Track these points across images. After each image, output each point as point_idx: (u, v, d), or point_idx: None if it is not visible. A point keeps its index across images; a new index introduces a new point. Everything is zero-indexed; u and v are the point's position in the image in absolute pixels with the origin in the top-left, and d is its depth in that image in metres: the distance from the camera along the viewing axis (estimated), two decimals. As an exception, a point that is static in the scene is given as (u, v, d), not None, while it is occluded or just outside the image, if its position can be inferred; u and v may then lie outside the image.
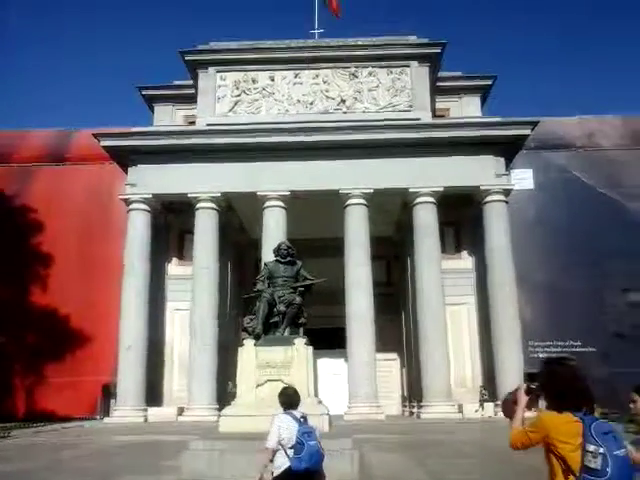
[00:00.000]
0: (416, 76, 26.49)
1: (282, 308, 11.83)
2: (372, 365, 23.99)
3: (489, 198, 25.51)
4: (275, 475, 5.58)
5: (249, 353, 11.14)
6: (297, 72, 26.63)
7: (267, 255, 24.91)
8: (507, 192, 25.83)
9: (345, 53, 26.63)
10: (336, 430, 11.67)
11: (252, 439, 10.17)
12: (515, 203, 27.58)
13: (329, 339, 27.72)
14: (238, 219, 28.69)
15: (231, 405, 11.56)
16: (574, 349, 26.55)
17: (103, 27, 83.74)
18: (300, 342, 11.23)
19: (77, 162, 29.64)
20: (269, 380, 11.02)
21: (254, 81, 26.48)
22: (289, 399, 6.03)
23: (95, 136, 25.32)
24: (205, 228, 25.14)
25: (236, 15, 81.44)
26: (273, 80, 26.57)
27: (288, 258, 12.43)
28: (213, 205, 25.48)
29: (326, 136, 25.27)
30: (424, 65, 26.61)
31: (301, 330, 12.00)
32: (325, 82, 26.53)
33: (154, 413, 23.66)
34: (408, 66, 26.67)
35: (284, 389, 6.25)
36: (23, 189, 29.14)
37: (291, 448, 5.56)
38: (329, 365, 29.15)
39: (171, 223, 27.98)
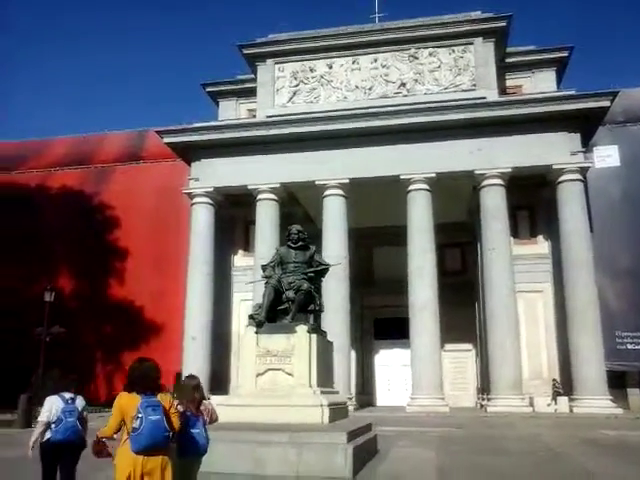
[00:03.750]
0: (480, 53, 25.13)
1: (291, 294, 11.39)
2: (436, 356, 23.09)
3: (563, 178, 23.79)
4: (40, 443, 6.78)
5: (249, 341, 10.87)
6: (355, 58, 26.09)
7: (327, 244, 24.75)
8: (584, 171, 23.98)
9: (404, 35, 25.73)
10: (344, 422, 11.13)
11: (246, 430, 9.96)
12: (599, 182, 25.59)
13: (398, 329, 27.10)
14: (303, 210, 28.55)
15: (230, 394, 11.39)
16: (667, 339, 24.20)
17: (172, 28, 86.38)
18: (302, 330, 10.77)
19: (151, 160, 30.79)
20: (270, 369, 10.68)
21: (312, 70, 26.25)
22: (62, 385, 7.11)
23: (158, 133, 26.15)
24: (265, 219, 25.27)
25: (299, 6, 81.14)
26: (331, 68, 26.19)
27: (299, 243, 11.93)
28: (273, 196, 25.55)
29: (385, 121, 24.64)
30: (489, 41, 25.19)
31: (311, 317, 11.49)
32: (384, 66, 25.79)
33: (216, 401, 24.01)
34: (472, 43, 25.38)
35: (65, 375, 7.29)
36: (101, 188, 30.78)
37: (54, 423, 6.75)
38: (399, 356, 28.53)
39: (236, 215, 28.39)
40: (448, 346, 27.99)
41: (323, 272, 12.22)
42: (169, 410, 5.05)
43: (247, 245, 28.25)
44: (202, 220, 26.04)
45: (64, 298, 29.40)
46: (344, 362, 23.48)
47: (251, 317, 11.54)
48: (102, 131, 34.05)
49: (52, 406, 6.83)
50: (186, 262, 26.44)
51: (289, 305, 11.45)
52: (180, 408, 5.60)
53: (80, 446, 6.90)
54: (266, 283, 11.68)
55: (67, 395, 6.99)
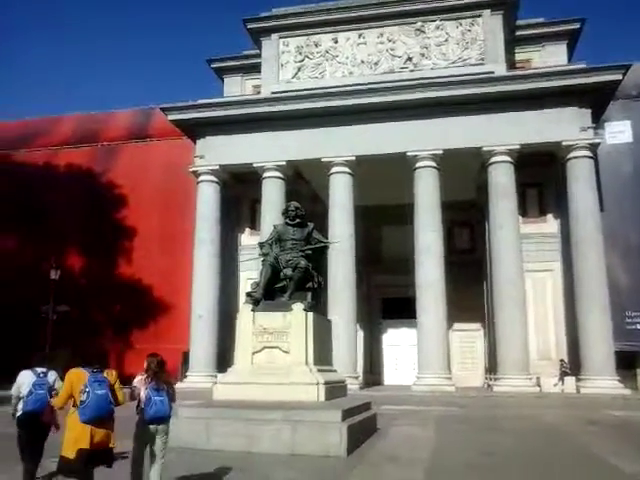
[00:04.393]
0: (488, 26, 24.51)
1: (288, 272, 11.28)
2: (442, 335, 22.93)
3: (572, 154, 23.31)
4: (17, 417, 7.36)
5: (246, 319, 10.79)
6: (361, 32, 25.59)
7: (334, 223, 24.62)
8: (594, 147, 23.48)
9: (411, 8, 25.12)
10: (340, 401, 11.04)
11: (240, 407, 9.93)
12: (610, 159, 25.13)
13: (407, 309, 26.86)
14: (309, 188, 28.33)
15: (227, 372, 11.33)
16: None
17: (179, 4, 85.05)
18: (299, 307, 10.65)
19: (158, 138, 30.63)
20: (266, 347, 10.62)
21: (317, 45, 25.80)
22: (38, 359, 7.94)
23: (163, 110, 25.95)
24: (271, 197, 25.04)
25: None
26: (336, 42, 25.72)
27: (297, 220, 11.79)
28: (279, 174, 25.33)
29: (391, 97, 24.23)
30: (497, 13, 24.56)
31: (309, 295, 11.37)
32: (390, 40, 25.27)
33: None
34: (479, 16, 24.75)
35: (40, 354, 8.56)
36: (108, 166, 30.69)
37: (26, 395, 7.23)
38: (407, 335, 28.40)
39: (243, 194, 28.24)
40: (457, 325, 27.86)
41: (322, 250, 12.10)
42: (114, 385, 5.78)
43: (254, 224, 28.04)
44: (208, 198, 25.90)
45: (74, 276, 29.59)
46: (350, 341, 23.45)
47: (248, 295, 11.48)
48: (109, 109, 33.91)
49: (24, 380, 7.35)
50: (194, 241, 26.39)
51: (287, 283, 11.36)
52: (141, 381, 6.27)
53: (48, 428, 7.30)
54: (263, 261, 11.58)
55: (39, 369, 7.51)
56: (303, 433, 9.23)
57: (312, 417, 9.41)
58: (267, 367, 10.52)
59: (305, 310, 10.71)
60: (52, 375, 7.53)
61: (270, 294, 11.35)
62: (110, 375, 5.75)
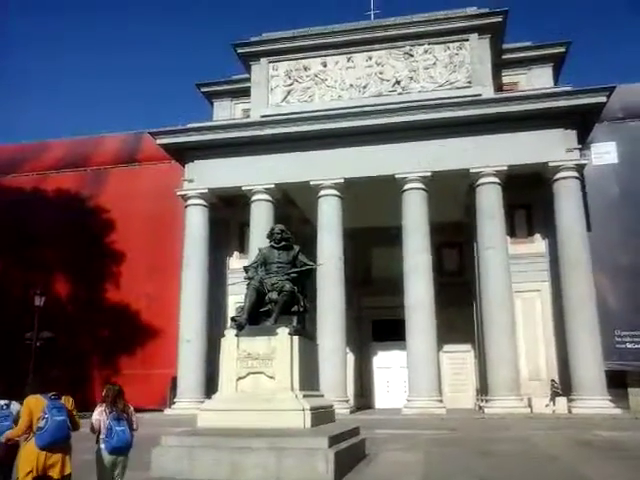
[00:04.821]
0: (475, 50, 24.84)
1: (274, 296, 11.13)
2: (432, 357, 22.82)
3: (559, 175, 23.49)
4: None
5: (230, 344, 10.62)
6: (350, 56, 25.84)
7: (322, 245, 24.55)
8: (580, 168, 23.68)
9: (399, 32, 25.47)
10: (327, 427, 10.86)
11: (224, 435, 9.75)
12: (597, 180, 25.29)
13: (397, 331, 26.71)
14: (299, 211, 28.33)
15: (211, 399, 11.16)
16: (669, 339, 23.84)
17: (169, 29, 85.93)
18: (283, 332, 10.51)
19: (147, 162, 30.59)
20: (251, 373, 10.43)
21: (306, 68, 26.01)
22: None
23: (152, 135, 25.99)
24: (260, 221, 24.91)
25: (295, 5, 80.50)
26: (325, 66, 25.95)
27: (282, 243, 11.69)
28: (267, 197, 25.32)
29: (380, 120, 24.40)
30: (484, 37, 24.91)
31: (295, 319, 11.23)
32: (379, 64, 25.53)
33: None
34: (467, 40, 25.08)
35: None
36: (97, 191, 30.55)
37: None
38: (398, 357, 28.20)
39: (231, 217, 28.12)
40: (447, 347, 27.77)
41: (308, 272, 11.99)
42: (72, 411, 6.01)
43: (242, 247, 27.86)
44: (196, 222, 25.84)
45: (61, 302, 29.28)
46: (340, 364, 23.28)
47: (233, 319, 11.31)
48: (99, 133, 33.92)
49: None
50: (182, 264, 26.22)
51: (272, 307, 11.19)
52: (101, 412, 6.39)
53: (17, 447, 7.13)
54: (248, 284, 11.45)
55: (2, 402, 7.65)
56: (289, 461, 9.04)
57: (298, 444, 9.24)
58: (252, 393, 10.34)
59: (290, 334, 10.55)
60: (15, 406, 7.51)
61: (255, 318, 11.17)
62: (67, 401, 5.99)
